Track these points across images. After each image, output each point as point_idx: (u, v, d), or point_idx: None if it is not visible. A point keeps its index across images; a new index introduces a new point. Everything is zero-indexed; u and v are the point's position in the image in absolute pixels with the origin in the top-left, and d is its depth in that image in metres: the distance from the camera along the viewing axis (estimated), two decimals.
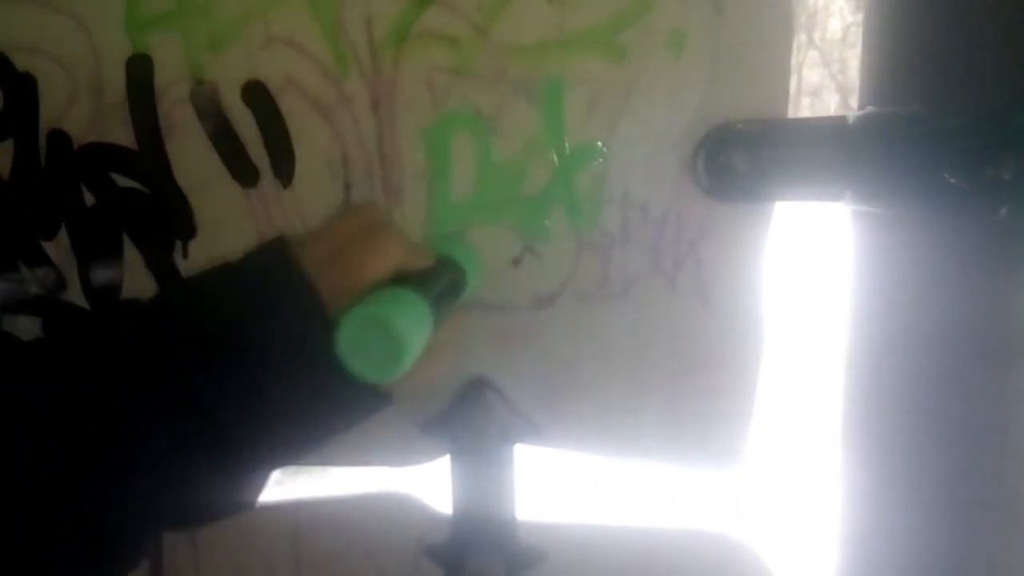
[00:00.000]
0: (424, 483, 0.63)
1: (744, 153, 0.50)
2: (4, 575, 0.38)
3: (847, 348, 0.53)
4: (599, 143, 0.53)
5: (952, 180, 0.43)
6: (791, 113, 0.51)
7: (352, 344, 0.38)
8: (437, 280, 0.46)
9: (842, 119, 0.49)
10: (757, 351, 0.54)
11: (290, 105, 0.56)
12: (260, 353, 0.40)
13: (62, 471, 0.37)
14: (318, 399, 0.42)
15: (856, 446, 0.54)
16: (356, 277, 0.42)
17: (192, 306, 0.41)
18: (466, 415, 0.58)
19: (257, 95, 0.56)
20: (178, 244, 0.59)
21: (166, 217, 0.58)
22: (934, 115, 0.45)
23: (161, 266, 0.59)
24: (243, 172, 0.57)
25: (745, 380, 0.55)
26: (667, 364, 0.56)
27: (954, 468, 0.50)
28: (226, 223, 0.58)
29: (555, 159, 0.54)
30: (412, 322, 0.39)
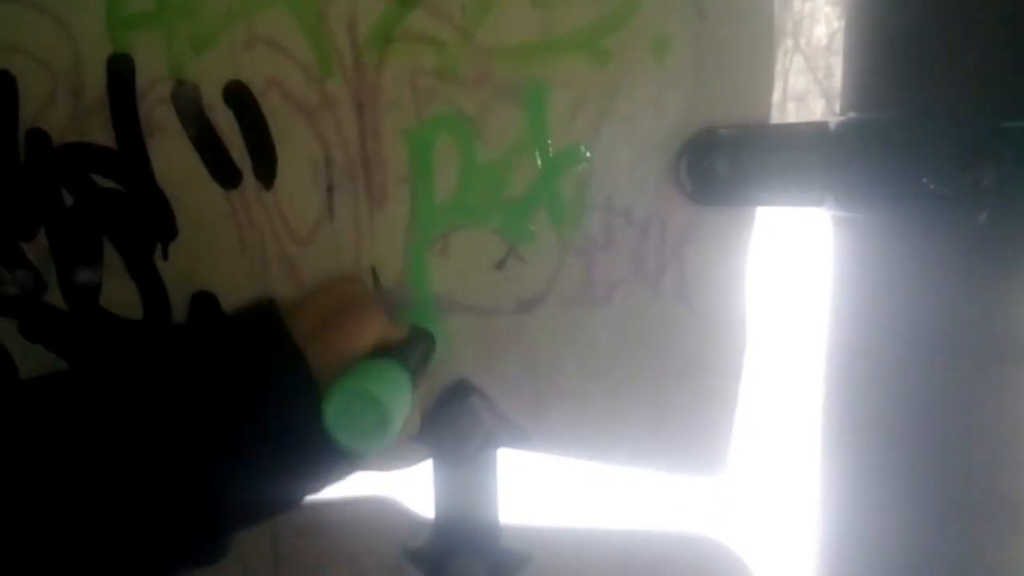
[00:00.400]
0: (406, 487, 0.62)
1: (727, 158, 0.50)
2: None
3: (827, 352, 0.54)
4: (583, 147, 0.53)
5: (932, 186, 0.44)
6: (776, 118, 0.51)
7: (339, 415, 0.40)
8: (412, 351, 0.48)
9: (824, 124, 0.49)
10: (739, 355, 0.54)
11: (273, 106, 0.55)
12: (250, 418, 0.42)
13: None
14: (300, 465, 0.43)
15: (836, 450, 0.54)
16: (341, 350, 0.44)
17: (189, 366, 0.44)
18: (449, 419, 0.57)
19: (239, 96, 0.55)
20: (158, 246, 0.58)
21: (146, 218, 0.58)
22: (914, 121, 0.45)
23: (141, 268, 0.59)
24: (224, 173, 0.56)
25: (727, 384, 0.55)
26: (650, 368, 0.56)
27: (934, 472, 0.50)
28: (207, 225, 0.57)
29: (539, 162, 0.54)
30: (396, 393, 0.42)
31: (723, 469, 0.56)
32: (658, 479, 0.58)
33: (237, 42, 0.55)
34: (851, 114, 0.49)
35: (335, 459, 0.43)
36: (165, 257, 0.58)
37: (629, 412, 0.57)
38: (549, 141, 0.53)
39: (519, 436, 0.58)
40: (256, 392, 0.42)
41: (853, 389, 0.53)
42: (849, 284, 0.52)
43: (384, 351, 0.45)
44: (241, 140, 0.56)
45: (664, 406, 0.56)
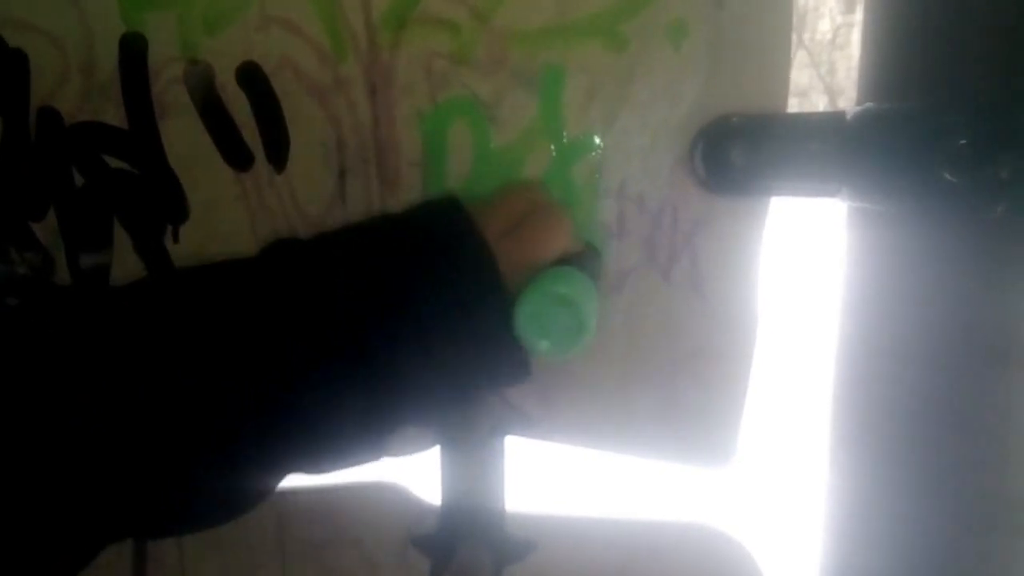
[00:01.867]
0: (413, 473, 0.62)
1: (741, 147, 0.50)
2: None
3: (839, 344, 0.53)
4: (596, 134, 0.53)
5: (949, 177, 0.43)
6: None
7: (532, 320, 0.39)
8: (589, 264, 0.48)
9: (840, 114, 0.49)
10: (750, 345, 0.54)
11: (285, 88, 0.55)
12: (432, 309, 0.40)
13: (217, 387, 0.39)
14: (477, 363, 0.42)
15: (844, 442, 0.54)
16: (530, 254, 0.43)
17: (367, 249, 0.42)
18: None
19: (252, 77, 0.55)
20: (169, 228, 0.58)
21: (157, 200, 0.58)
22: (932, 112, 0.45)
23: (151, 250, 0.58)
24: (236, 155, 0.56)
25: (738, 374, 0.55)
26: (660, 356, 0.56)
27: (943, 467, 0.50)
28: (218, 207, 0.57)
29: (553, 149, 0.54)
30: (588, 299, 0.41)
31: (732, 459, 0.56)
32: (666, 468, 0.58)
33: (250, 22, 0.54)
34: (868, 104, 0.49)
35: (512, 358, 0.43)
36: (176, 239, 0.58)
37: (638, 401, 0.56)
38: (563, 127, 0.53)
39: (527, 424, 0.58)
40: (446, 289, 0.41)
41: (864, 382, 0.53)
42: (863, 276, 0.52)
43: (565, 261, 0.44)
44: (253, 122, 0.56)
45: (674, 395, 0.56)
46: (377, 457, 0.45)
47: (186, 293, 0.42)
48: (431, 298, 0.40)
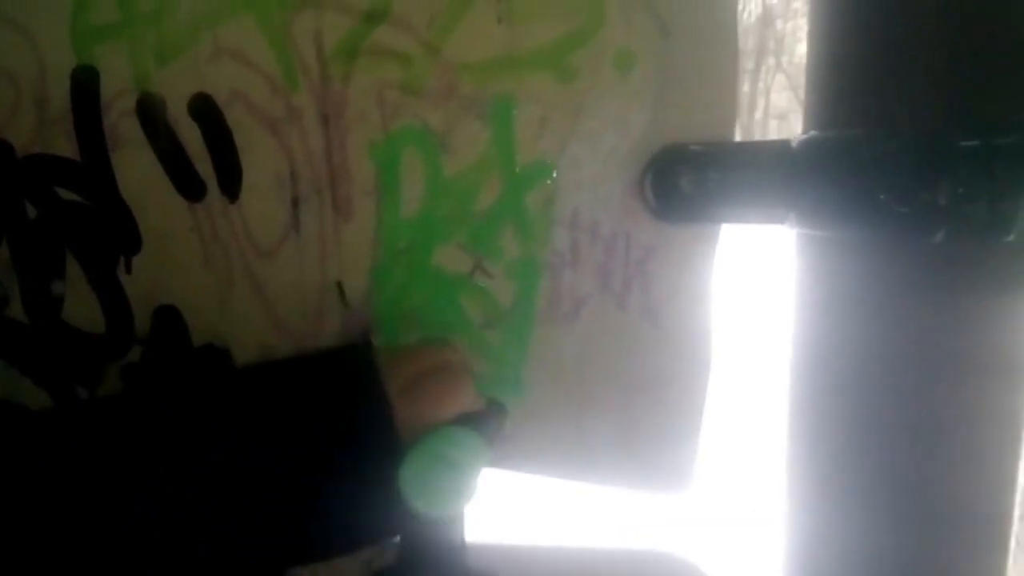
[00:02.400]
0: None
1: (691, 175, 0.51)
2: None
3: (791, 368, 0.54)
4: (549, 162, 0.53)
5: (890, 204, 0.44)
6: (759, 136, 0.52)
7: (416, 478, 0.40)
8: (489, 422, 0.49)
9: (786, 143, 0.49)
10: (704, 371, 0.54)
11: (238, 118, 0.55)
12: (328, 457, 0.42)
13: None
14: (370, 514, 0.44)
15: (801, 465, 0.55)
16: (429, 414, 0.44)
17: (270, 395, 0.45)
18: None
19: (204, 108, 0.55)
20: (122, 259, 0.58)
21: (110, 231, 0.57)
22: (873, 139, 0.45)
23: (104, 281, 0.58)
24: (189, 186, 0.56)
25: (693, 400, 0.55)
26: (615, 384, 0.56)
27: (897, 484, 0.50)
28: (171, 238, 0.57)
29: (505, 178, 0.54)
30: (473, 462, 0.42)
31: (689, 486, 0.56)
32: (624, 496, 0.58)
33: (202, 54, 0.54)
34: (812, 132, 0.49)
35: (402, 514, 0.43)
36: (128, 271, 0.58)
37: (594, 429, 0.56)
38: (515, 156, 0.53)
39: None
40: (340, 439, 0.42)
41: (817, 404, 0.53)
42: (812, 301, 0.52)
43: (466, 420, 0.46)
44: (206, 152, 0.56)
45: (630, 422, 0.56)
46: None
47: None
48: (328, 455, 0.42)
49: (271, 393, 0.45)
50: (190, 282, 0.57)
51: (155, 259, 0.57)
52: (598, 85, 0.52)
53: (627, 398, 0.56)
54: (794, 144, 0.49)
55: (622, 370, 0.55)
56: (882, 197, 0.44)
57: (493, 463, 0.58)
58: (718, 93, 0.51)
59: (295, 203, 0.56)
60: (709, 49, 0.50)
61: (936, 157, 0.43)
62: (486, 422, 0.48)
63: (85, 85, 0.56)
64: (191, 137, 0.56)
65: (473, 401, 0.47)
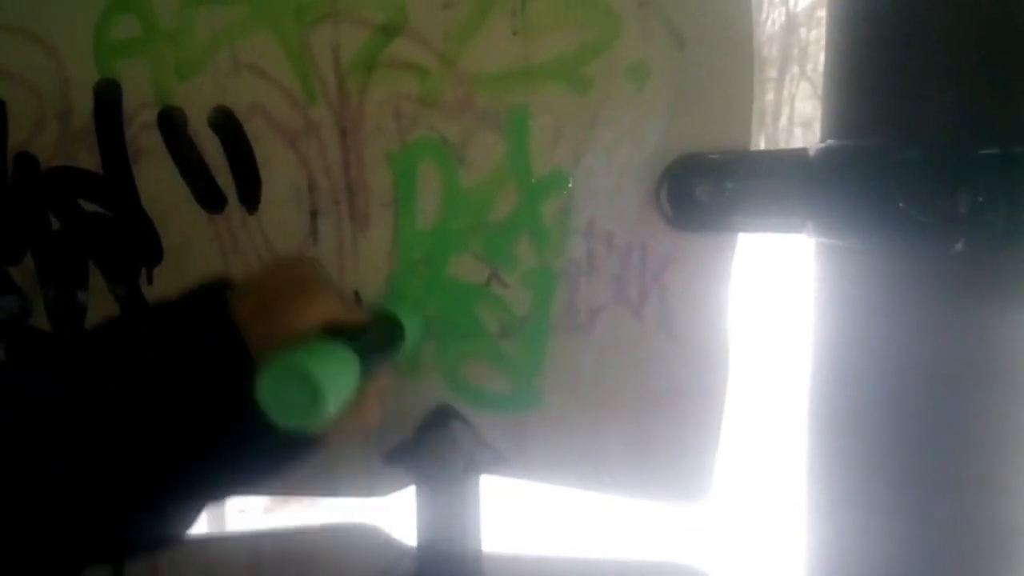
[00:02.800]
0: (389, 514, 0.62)
1: (707, 184, 0.50)
2: None
3: (811, 377, 0.53)
4: (564, 172, 0.53)
5: (909, 212, 0.44)
6: (784, 144, 0.51)
7: (272, 392, 0.38)
8: (366, 334, 0.46)
9: (803, 151, 0.49)
10: (722, 380, 0.54)
11: (257, 131, 0.56)
12: (185, 397, 0.40)
13: None
14: (240, 445, 0.42)
15: (820, 474, 0.54)
16: (283, 329, 0.42)
17: (124, 344, 0.42)
18: (431, 444, 0.57)
19: (224, 121, 0.56)
20: (143, 270, 0.58)
21: (132, 242, 0.58)
22: (891, 148, 0.45)
23: (126, 292, 0.59)
24: (209, 198, 0.57)
25: (710, 409, 0.55)
26: (632, 393, 0.55)
27: (918, 495, 0.50)
28: (192, 249, 0.57)
29: (521, 188, 0.54)
30: (333, 372, 0.40)
31: (706, 496, 0.56)
32: (641, 506, 0.57)
33: (222, 68, 0.55)
34: (830, 141, 0.49)
35: (270, 443, 0.42)
36: (150, 281, 0.58)
37: (611, 438, 0.56)
38: (531, 167, 0.54)
39: (500, 462, 0.57)
40: (187, 365, 0.41)
41: (837, 413, 0.52)
42: (831, 310, 0.51)
43: (333, 331, 0.43)
44: (226, 165, 0.56)
45: (646, 432, 0.56)
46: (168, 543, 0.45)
47: None
48: (185, 391, 0.41)
49: (123, 346, 0.43)
50: None
51: (176, 269, 0.58)
52: (613, 96, 0.52)
53: (644, 408, 0.56)
54: (812, 153, 0.49)
55: (638, 380, 0.55)
56: (901, 206, 0.43)
57: (509, 472, 0.58)
58: (733, 103, 0.51)
59: (313, 214, 0.56)
60: (724, 60, 0.50)
61: (955, 166, 0.42)
62: (363, 335, 0.45)
63: (107, 99, 0.57)
64: (211, 150, 0.56)
65: (338, 312, 0.45)
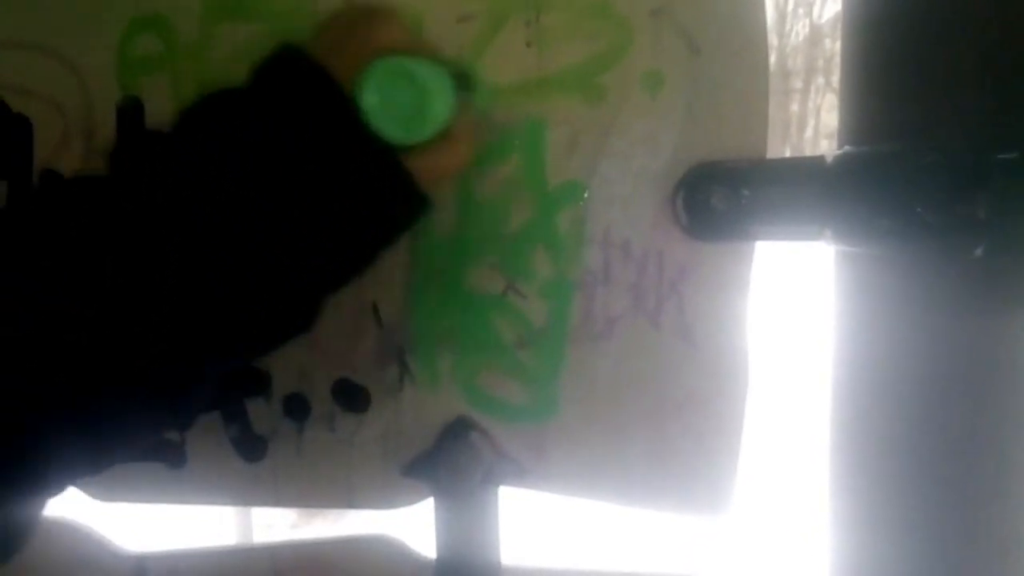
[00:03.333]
0: (407, 526, 0.62)
1: (723, 192, 0.50)
2: None
3: (832, 386, 0.53)
4: (580, 182, 0.53)
5: (928, 218, 0.43)
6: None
7: (373, 99, 0.37)
8: (446, 67, 0.44)
9: (820, 158, 0.49)
10: (742, 390, 0.53)
11: None
12: (281, 153, 0.39)
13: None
14: (345, 181, 0.40)
15: (843, 485, 0.53)
16: (362, 54, 0.40)
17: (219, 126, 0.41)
18: (449, 456, 0.57)
19: None
20: None
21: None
22: (909, 153, 0.44)
23: None
24: None
25: (730, 420, 0.54)
26: (651, 403, 0.55)
27: (943, 505, 0.49)
28: None
29: (536, 198, 0.54)
30: (436, 80, 0.38)
31: (727, 508, 0.55)
32: (661, 518, 0.57)
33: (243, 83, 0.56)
34: (847, 148, 0.48)
35: (388, 173, 0.40)
36: None
37: (630, 449, 0.56)
38: (546, 177, 0.54)
39: (519, 473, 0.57)
40: (280, 121, 0.39)
41: (859, 423, 0.52)
42: (851, 318, 0.51)
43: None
44: None
45: (666, 443, 0.55)
46: (301, 331, 0.44)
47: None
48: (277, 144, 0.39)
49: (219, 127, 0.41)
50: None
51: None
52: (627, 105, 0.52)
53: (663, 418, 0.55)
54: (829, 160, 0.48)
55: (657, 390, 0.55)
56: (919, 211, 0.43)
57: (529, 484, 0.57)
58: (749, 110, 0.51)
59: None
60: (739, 66, 0.50)
61: (974, 170, 0.42)
62: (446, 66, 0.43)
63: (130, 115, 0.58)
64: None
65: (412, 41, 0.43)
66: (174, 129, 0.42)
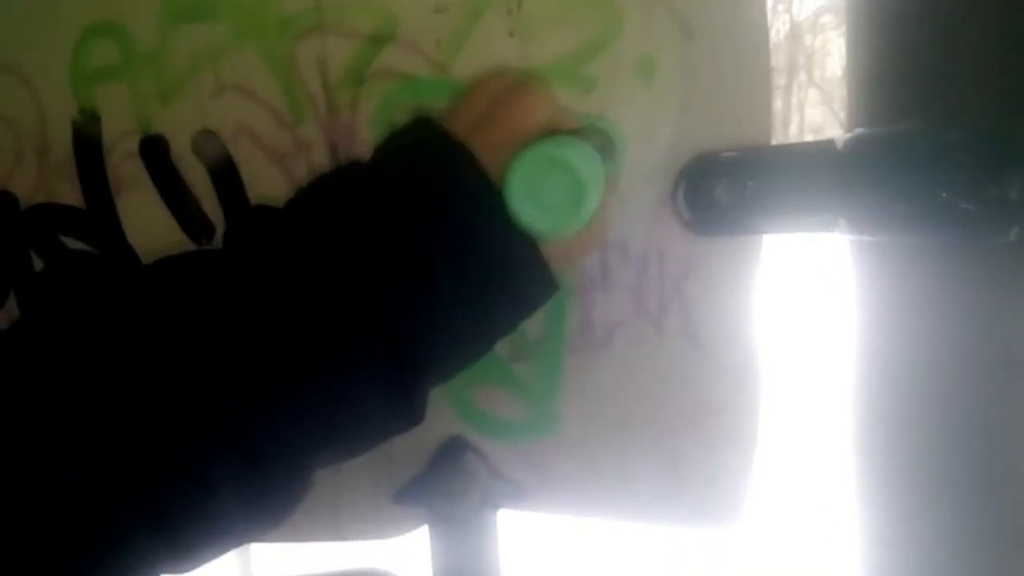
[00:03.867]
0: (402, 556, 0.58)
1: (726, 184, 0.47)
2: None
3: (854, 385, 0.49)
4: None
5: (955, 202, 0.39)
6: None
7: (524, 190, 0.35)
8: (591, 138, 0.42)
9: (830, 142, 0.45)
10: (754, 395, 0.50)
11: (244, 154, 0.53)
12: (419, 231, 0.36)
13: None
14: (486, 274, 0.37)
15: (868, 492, 0.50)
16: (509, 133, 0.38)
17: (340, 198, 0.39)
18: (443, 480, 0.53)
19: (209, 145, 0.53)
20: None
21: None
22: (931, 132, 0.41)
23: None
24: (197, 227, 0.54)
25: (743, 427, 0.50)
26: (657, 414, 0.51)
27: (973, 504, 0.45)
28: None
29: None
30: (590, 167, 0.36)
31: (742, 520, 0.52)
32: (671, 535, 0.53)
33: (204, 90, 0.52)
34: (859, 130, 0.45)
35: (527, 262, 0.38)
36: None
37: (637, 463, 0.52)
38: None
39: (518, 495, 0.53)
40: (420, 200, 0.37)
41: (884, 422, 0.48)
42: (872, 313, 0.47)
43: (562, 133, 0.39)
44: (213, 191, 0.53)
45: (674, 454, 0.51)
46: (409, 425, 0.41)
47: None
48: (415, 228, 0.36)
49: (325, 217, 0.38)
50: None
51: None
52: (619, 95, 0.48)
53: (670, 427, 0.51)
54: (840, 144, 0.45)
55: (664, 398, 0.51)
56: (944, 195, 0.39)
57: (529, 506, 0.54)
58: (750, 96, 0.47)
59: None
60: (738, 49, 0.47)
61: (1003, 146, 0.38)
62: (590, 137, 0.41)
63: (86, 130, 0.54)
64: (196, 176, 0.53)
65: (558, 114, 0.41)
66: (296, 205, 0.41)
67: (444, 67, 0.49)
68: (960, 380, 0.43)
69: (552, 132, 0.39)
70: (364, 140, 0.51)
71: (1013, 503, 0.45)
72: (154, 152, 0.53)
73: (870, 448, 0.49)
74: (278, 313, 0.35)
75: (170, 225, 0.54)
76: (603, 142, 0.45)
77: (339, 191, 0.40)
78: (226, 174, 0.53)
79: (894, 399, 0.46)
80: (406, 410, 0.39)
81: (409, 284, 0.36)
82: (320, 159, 0.52)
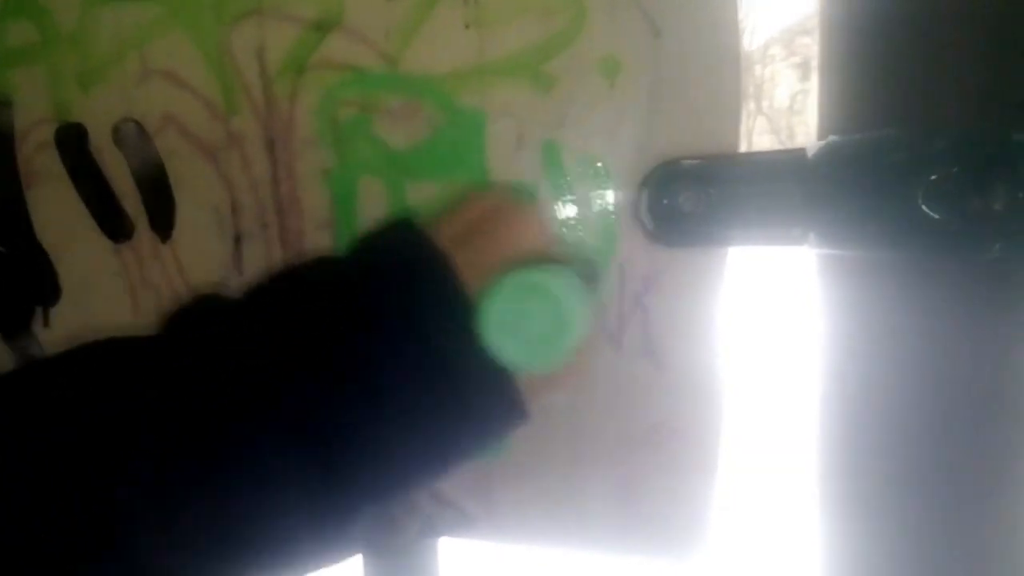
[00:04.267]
0: None
1: (692, 192, 0.44)
2: None
3: (821, 415, 0.46)
4: (528, 184, 0.46)
5: (933, 215, 0.37)
6: None
7: (501, 319, 0.32)
8: (577, 268, 0.39)
9: (801, 151, 0.43)
10: (716, 416, 0.47)
11: (171, 146, 0.48)
12: (369, 336, 0.33)
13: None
14: (443, 393, 0.34)
15: (835, 518, 0.47)
16: (493, 255, 0.36)
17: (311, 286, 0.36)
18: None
19: (131, 136, 0.48)
20: (38, 310, 0.50)
21: (25, 280, 0.50)
22: (907, 139, 0.39)
23: (17, 338, 0.50)
24: (114, 225, 0.49)
25: (704, 450, 0.48)
26: (613, 436, 0.48)
27: (946, 529, 0.43)
28: (94, 285, 0.50)
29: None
30: (573, 296, 0.33)
31: (701, 548, 0.49)
32: (627, 565, 0.50)
33: (129, 76, 0.48)
34: (831, 138, 0.43)
35: (492, 386, 0.35)
36: (46, 323, 0.50)
37: (590, 489, 0.49)
38: (489, 178, 0.47)
39: (463, 522, 0.49)
40: (391, 304, 0.34)
41: (854, 451, 0.46)
42: (843, 333, 0.45)
43: (546, 261, 0.37)
44: (134, 186, 0.49)
45: (631, 478, 0.48)
46: (345, 552, 0.37)
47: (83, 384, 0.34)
48: (378, 329, 0.33)
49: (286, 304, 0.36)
50: (115, 334, 0.49)
51: (76, 309, 0.50)
52: (581, 95, 0.45)
53: (627, 451, 0.48)
54: (810, 153, 0.42)
55: (620, 419, 0.48)
56: (923, 207, 0.37)
57: (474, 534, 0.50)
58: (718, 99, 0.44)
59: (237, 239, 0.48)
60: (707, 50, 0.44)
61: (987, 156, 0.36)
62: (573, 265, 0.39)
63: (74, 143, 0.49)
64: (117, 170, 0.49)
65: (545, 241, 0.39)
66: (251, 298, 0.37)
67: (393, 60, 0.46)
68: (933, 412, 0.41)
69: (539, 260, 0.37)
70: (303, 136, 0.47)
71: (986, 528, 0.43)
72: (71, 142, 0.49)
73: (837, 475, 0.46)
74: (191, 409, 0.32)
75: (85, 222, 0.49)
76: (589, 272, 0.44)
77: (296, 283, 0.37)
78: (150, 168, 0.48)
79: (865, 422, 0.44)
80: (338, 533, 0.36)
81: (347, 396, 0.33)
82: (254, 153, 0.48)
